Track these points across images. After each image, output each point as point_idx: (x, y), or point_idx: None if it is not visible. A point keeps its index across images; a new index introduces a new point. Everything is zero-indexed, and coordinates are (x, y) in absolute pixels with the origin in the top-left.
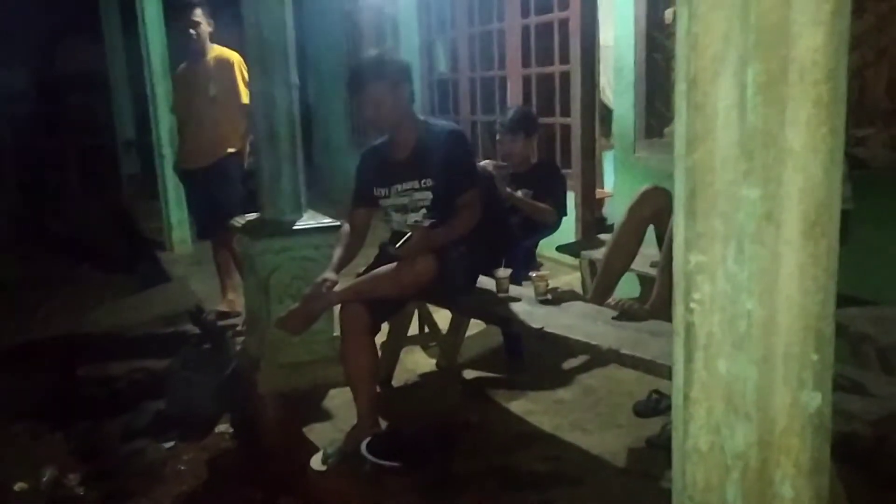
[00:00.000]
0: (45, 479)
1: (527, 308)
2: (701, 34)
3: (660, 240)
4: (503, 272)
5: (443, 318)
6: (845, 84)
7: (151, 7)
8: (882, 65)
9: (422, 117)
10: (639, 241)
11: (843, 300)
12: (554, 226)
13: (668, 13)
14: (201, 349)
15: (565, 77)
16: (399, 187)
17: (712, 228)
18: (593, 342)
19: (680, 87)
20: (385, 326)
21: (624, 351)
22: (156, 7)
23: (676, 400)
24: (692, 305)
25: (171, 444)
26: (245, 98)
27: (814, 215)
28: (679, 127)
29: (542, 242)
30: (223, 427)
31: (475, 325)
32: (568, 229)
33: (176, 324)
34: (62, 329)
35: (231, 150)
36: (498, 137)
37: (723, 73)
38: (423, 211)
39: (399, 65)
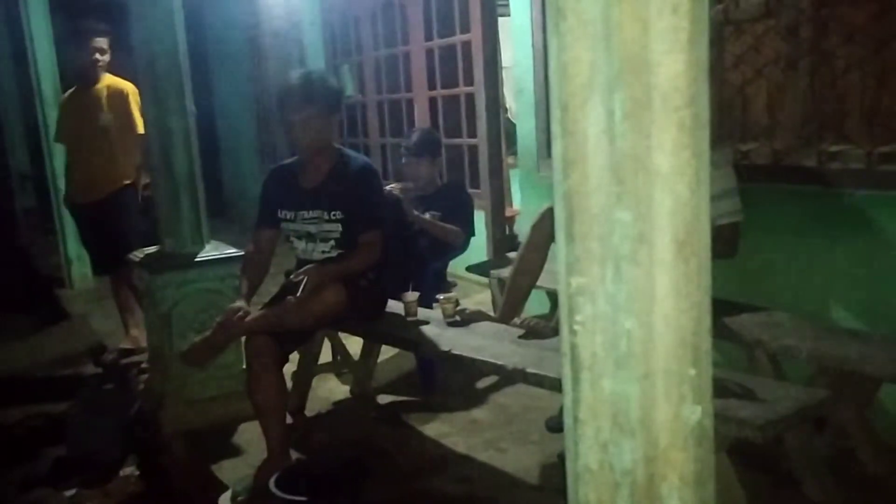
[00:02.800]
0: None
1: (435, 330)
2: (570, 63)
3: None
4: (411, 296)
5: (355, 343)
6: (707, 109)
7: (40, 32)
8: (761, 82)
9: (337, 146)
10: (543, 259)
11: (736, 307)
12: (462, 247)
13: None
14: (103, 390)
15: (471, 98)
16: (306, 214)
17: (590, 251)
18: (499, 362)
19: (555, 114)
20: (295, 355)
21: (529, 370)
22: (45, 32)
23: (567, 421)
24: (575, 327)
25: (72, 491)
26: (141, 128)
27: (684, 235)
28: (556, 152)
29: (453, 262)
30: (129, 470)
31: (388, 350)
32: (479, 248)
33: (76, 364)
34: None
35: (126, 181)
36: (403, 161)
37: (591, 100)
38: (332, 243)
39: (336, 93)
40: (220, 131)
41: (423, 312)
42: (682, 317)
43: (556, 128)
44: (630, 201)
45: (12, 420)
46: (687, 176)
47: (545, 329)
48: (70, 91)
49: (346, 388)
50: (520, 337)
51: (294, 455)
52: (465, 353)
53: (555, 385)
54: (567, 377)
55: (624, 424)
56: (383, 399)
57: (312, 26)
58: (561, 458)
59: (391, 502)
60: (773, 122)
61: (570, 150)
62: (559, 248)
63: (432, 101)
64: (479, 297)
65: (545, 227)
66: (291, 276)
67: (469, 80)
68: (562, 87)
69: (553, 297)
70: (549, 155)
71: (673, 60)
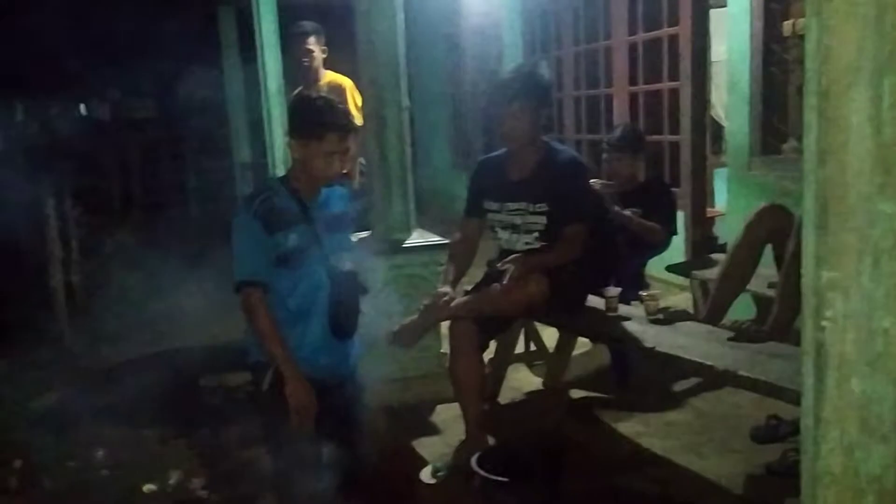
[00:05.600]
0: (171, 482)
1: (637, 327)
2: (833, 46)
3: (778, 259)
4: (613, 291)
5: (549, 336)
6: None
7: (269, 36)
8: None
9: (545, 139)
10: (756, 261)
11: None
12: (663, 245)
13: (787, 25)
14: None
15: (674, 94)
16: (511, 205)
17: (845, 243)
18: (708, 362)
19: (810, 100)
20: (492, 343)
21: (741, 372)
22: (273, 36)
23: (806, 421)
24: (823, 323)
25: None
26: (357, 121)
27: None
28: (809, 140)
29: (649, 262)
30: None
31: (581, 345)
32: (675, 249)
33: None
34: (186, 341)
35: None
36: (605, 156)
37: (856, 85)
38: (536, 234)
39: (546, 86)
40: (415, 125)
41: (623, 309)
42: None
43: (810, 115)
44: (895, 192)
45: (233, 384)
46: None
47: (757, 332)
48: (297, 90)
49: (538, 379)
50: (729, 339)
51: (489, 439)
52: (670, 352)
53: (770, 390)
54: (809, 376)
55: (875, 428)
56: (575, 393)
57: (512, 22)
58: (770, 469)
59: (586, 494)
60: None
61: (827, 137)
62: (807, 239)
63: (633, 97)
64: (674, 299)
65: (760, 227)
66: (497, 265)
67: (674, 76)
68: (821, 73)
69: (760, 300)
70: (762, 153)
71: None
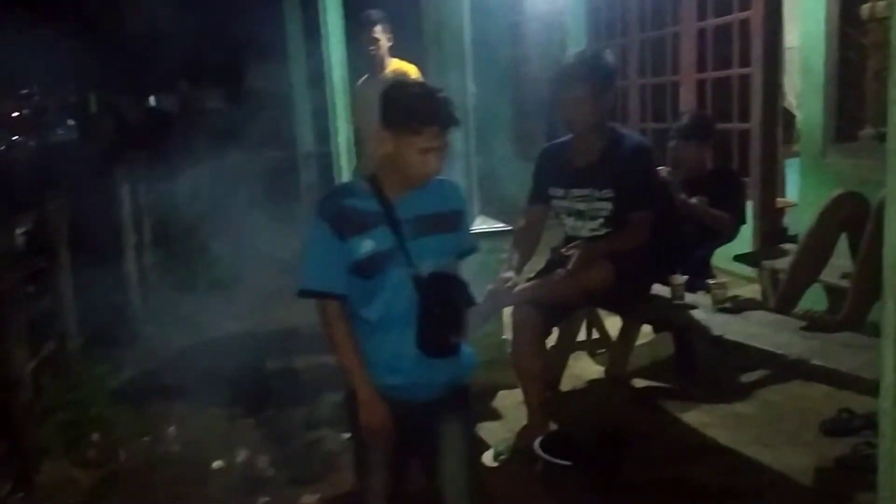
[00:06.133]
0: (238, 460)
1: (705, 315)
2: None
3: (853, 248)
4: (679, 279)
5: (611, 324)
6: None
7: (334, 26)
8: None
9: (611, 124)
10: (830, 249)
11: None
12: (731, 234)
13: (865, 9)
14: None
15: (744, 80)
16: (577, 192)
17: None
18: (780, 351)
19: (894, 77)
20: (554, 331)
21: (815, 362)
22: (338, 26)
23: (884, 403)
24: None
25: (348, 434)
26: None
27: None
28: (893, 119)
29: (715, 253)
30: None
31: (644, 335)
32: (743, 240)
33: None
34: (253, 325)
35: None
36: (672, 143)
37: None
38: (601, 221)
39: (610, 70)
40: (477, 113)
41: (689, 297)
42: None
43: (893, 93)
44: None
45: (299, 367)
46: None
47: (831, 322)
48: (363, 77)
49: (599, 367)
50: (801, 328)
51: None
52: (739, 340)
53: (844, 380)
54: (888, 357)
55: None
56: (638, 383)
57: (576, 10)
58: (841, 463)
59: (650, 483)
60: None
61: None
62: (889, 218)
63: (700, 84)
64: (741, 291)
65: (836, 215)
66: (562, 250)
67: (744, 62)
68: None
69: (831, 291)
70: (837, 140)
71: None
